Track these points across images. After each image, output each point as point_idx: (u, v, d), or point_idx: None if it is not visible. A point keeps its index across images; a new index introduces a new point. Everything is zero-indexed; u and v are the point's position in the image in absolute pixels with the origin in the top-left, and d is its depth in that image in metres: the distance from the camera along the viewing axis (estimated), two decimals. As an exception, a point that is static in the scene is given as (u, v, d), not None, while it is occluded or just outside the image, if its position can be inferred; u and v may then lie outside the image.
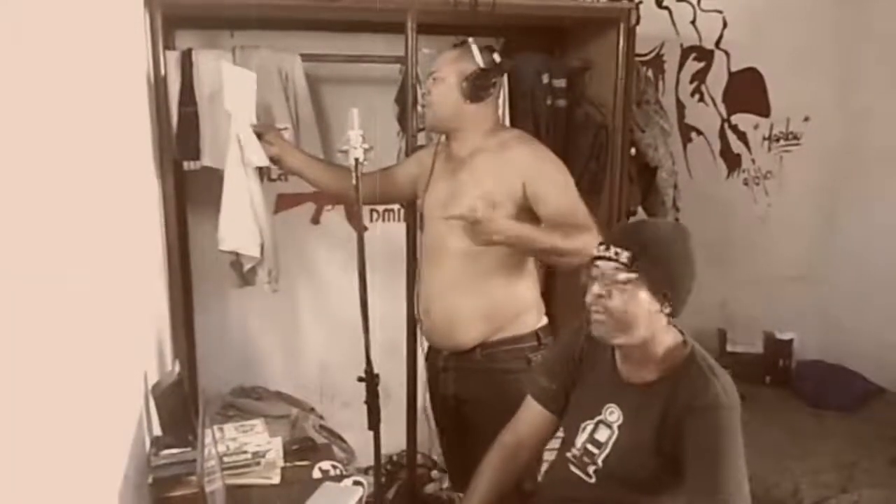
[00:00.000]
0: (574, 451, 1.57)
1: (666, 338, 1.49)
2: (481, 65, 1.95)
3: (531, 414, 1.67)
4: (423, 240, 2.14)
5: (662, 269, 1.43)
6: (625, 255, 1.42)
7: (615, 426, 1.52)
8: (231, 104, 2.09)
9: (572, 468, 1.56)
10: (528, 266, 2.06)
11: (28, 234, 0.88)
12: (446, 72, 1.99)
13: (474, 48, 1.96)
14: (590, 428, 1.55)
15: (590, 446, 1.54)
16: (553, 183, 1.95)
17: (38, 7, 0.99)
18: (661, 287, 1.43)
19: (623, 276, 1.42)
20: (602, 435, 1.53)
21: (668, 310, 1.45)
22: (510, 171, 1.94)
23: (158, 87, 2.15)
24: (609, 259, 1.44)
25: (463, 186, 1.99)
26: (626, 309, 1.43)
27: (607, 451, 1.52)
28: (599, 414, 1.55)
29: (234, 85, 2.10)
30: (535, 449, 1.69)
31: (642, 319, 1.44)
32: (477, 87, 1.96)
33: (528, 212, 1.96)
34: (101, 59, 1.45)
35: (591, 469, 1.53)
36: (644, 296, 1.42)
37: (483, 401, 2.00)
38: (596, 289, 1.46)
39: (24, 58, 0.90)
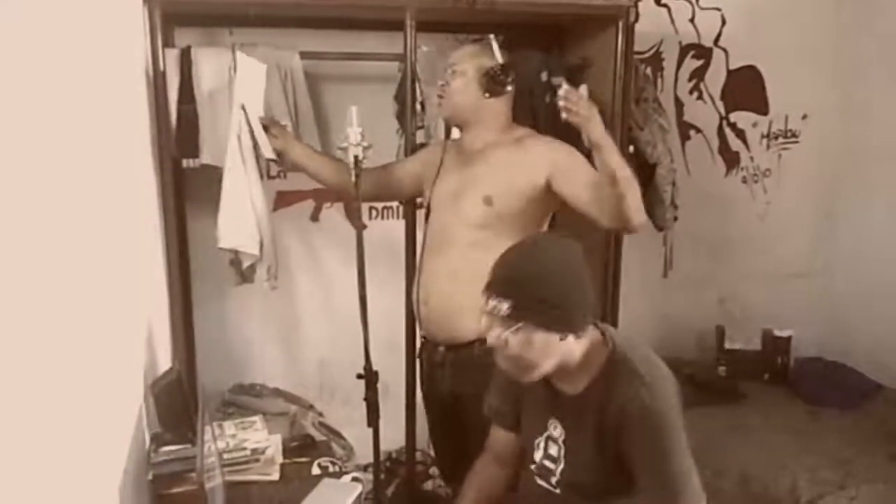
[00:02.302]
0: (535, 465, 1.58)
1: (580, 346, 1.44)
2: (500, 60, 1.99)
3: (497, 435, 1.69)
4: (427, 230, 2.15)
5: (549, 307, 1.37)
6: (505, 307, 1.37)
7: (560, 441, 1.52)
8: (242, 94, 2.10)
9: (538, 480, 1.57)
10: None
11: (27, 233, 0.88)
12: (466, 65, 2.03)
13: (494, 45, 2.00)
14: (542, 444, 1.56)
15: (546, 462, 1.55)
16: (582, 166, 1.96)
17: (38, 4, 0.99)
18: (553, 320, 1.38)
19: (511, 326, 1.38)
20: (553, 450, 1.53)
21: (570, 334, 1.41)
22: (532, 165, 1.97)
23: (158, 84, 2.15)
24: (492, 311, 1.40)
25: (477, 178, 2.02)
26: (524, 354, 1.40)
27: (562, 464, 1.52)
28: (546, 430, 1.54)
29: (246, 75, 2.11)
30: (511, 463, 1.68)
31: (545, 355, 1.41)
32: (496, 82, 2.00)
33: (540, 204, 1.99)
34: (101, 57, 1.45)
35: (553, 480, 1.54)
36: (538, 336, 1.38)
37: (480, 396, 2.01)
38: (491, 339, 1.42)
39: (23, 56, 0.90)
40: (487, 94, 2.01)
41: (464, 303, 2.01)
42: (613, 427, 1.40)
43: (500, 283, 1.42)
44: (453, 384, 2.10)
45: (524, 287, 1.39)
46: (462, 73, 2.03)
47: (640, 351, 1.47)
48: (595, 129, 1.75)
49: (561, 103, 1.73)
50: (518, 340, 1.39)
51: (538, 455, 1.56)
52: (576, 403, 1.48)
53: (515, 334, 1.39)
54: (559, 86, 2.26)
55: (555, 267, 1.41)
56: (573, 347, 1.44)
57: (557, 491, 1.53)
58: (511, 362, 1.44)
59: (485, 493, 1.66)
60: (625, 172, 1.78)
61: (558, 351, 1.42)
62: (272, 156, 2.16)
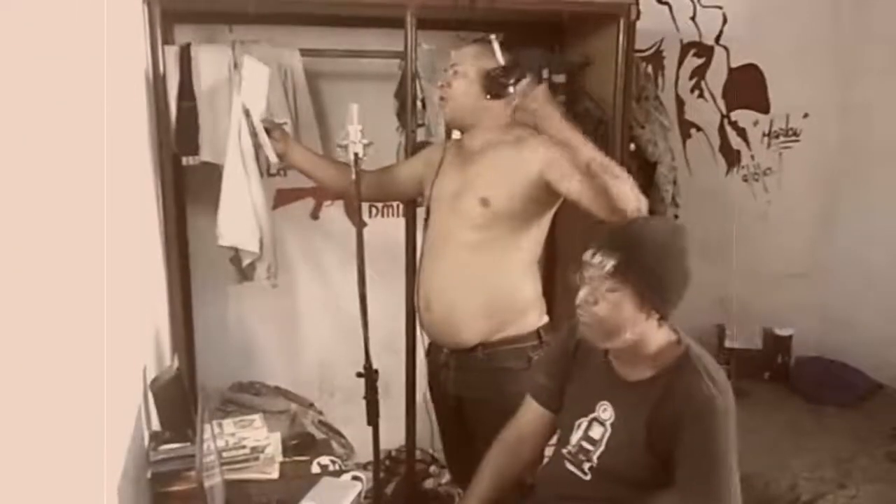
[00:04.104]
0: (570, 447, 1.56)
1: (657, 337, 1.47)
2: (502, 62, 1.95)
3: (531, 412, 1.67)
4: (427, 233, 2.13)
5: (650, 278, 1.39)
6: (610, 264, 1.38)
7: (608, 424, 1.51)
8: (247, 98, 2.10)
9: (568, 465, 1.56)
10: (532, 264, 2.06)
11: (27, 231, 0.88)
12: (467, 67, 2.00)
13: (496, 45, 1.96)
14: (584, 425, 1.55)
15: (585, 444, 1.54)
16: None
17: (37, 1, 0.99)
18: (648, 295, 1.40)
19: (608, 284, 1.39)
20: (596, 432, 1.52)
21: (656, 315, 1.43)
22: (526, 162, 1.94)
23: (157, 82, 2.15)
24: (594, 266, 1.41)
25: (475, 179, 1.99)
26: (611, 317, 1.41)
27: (602, 448, 1.51)
28: (593, 411, 1.54)
29: (251, 78, 2.11)
30: (536, 446, 1.68)
31: (628, 326, 1.42)
32: (498, 84, 1.96)
33: (536, 203, 1.96)
34: (100, 54, 1.45)
35: (586, 466, 1.53)
36: (630, 304, 1.39)
37: (484, 399, 2.00)
38: (583, 293, 1.43)
39: (21, 52, 0.90)
40: (489, 96, 1.97)
41: (465, 309, 2.01)
42: (670, 421, 1.40)
43: (613, 240, 1.43)
44: (457, 386, 2.09)
45: (635, 250, 1.40)
46: (463, 74, 2.00)
47: (709, 357, 1.50)
48: (555, 127, 1.77)
49: (515, 101, 1.76)
50: (609, 301, 1.40)
51: (575, 436, 1.55)
52: (635, 389, 1.48)
53: (609, 294, 1.39)
54: (561, 84, 2.24)
55: (667, 244, 1.43)
56: (652, 332, 1.45)
57: (587, 477, 1.52)
58: (594, 322, 1.44)
59: (500, 478, 1.64)
60: (598, 162, 1.78)
61: (641, 327, 1.43)
62: (276, 159, 2.16)
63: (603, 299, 1.41)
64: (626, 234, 1.45)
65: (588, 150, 1.79)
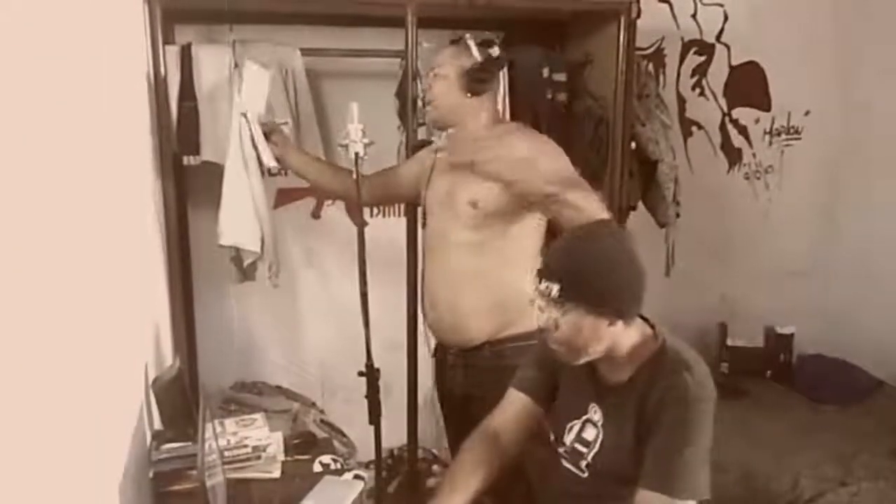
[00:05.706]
0: (565, 448, 1.57)
1: (629, 337, 1.46)
2: (479, 59, 1.98)
3: (510, 401, 1.66)
4: (425, 234, 2.14)
5: (599, 292, 1.39)
6: (555, 290, 1.39)
7: (599, 425, 1.52)
8: (247, 102, 2.09)
9: (565, 464, 1.57)
10: (535, 258, 2.06)
11: (29, 230, 0.88)
12: (446, 68, 2.01)
13: (471, 43, 1.99)
14: (577, 428, 1.55)
15: (578, 445, 1.54)
16: (551, 162, 1.96)
17: (38, 1, 0.99)
18: (602, 306, 1.40)
19: (561, 308, 1.40)
20: (589, 434, 1.53)
21: (619, 320, 1.42)
22: (510, 160, 1.95)
23: (158, 82, 2.15)
24: (542, 294, 1.42)
25: (463, 180, 1.99)
26: (573, 337, 1.42)
27: (595, 449, 1.52)
28: (586, 413, 1.54)
29: (251, 82, 2.10)
30: (515, 436, 1.64)
31: (594, 339, 1.42)
32: (476, 81, 1.99)
33: (525, 201, 1.96)
34: (101, 54, 1.45)
35: (582, 464, 1.54)
36: (588, 320, 1.40)
37: (493, 398, 1.99)
38: (542, 321, 1.44)
39: (23, 52, 0.90)
40: (469, 94, 2.00)
41: (468, 307, 2.01)
42: (653, 413, 1.40)
43: (551, 266, 1.44)
44: (466, 386, 2.10)
45: (575, 270, 1.40)
46: (444, 76, 2.02)
47: (689, 349, 1.49)
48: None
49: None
50: (568, 323, 1.41)
51: (569, 438, 1.56)
52: (619, 391, 1.48)
53: (565, 317, 1.40)
54: (561, 82, 2.23)
55: (606, 253, 1.42)
56: (622, 335, 1.45)
57: (585, 475, 1.53)
58: (560, 345, 1.46)
59: (474, 470, 1.57)
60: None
61: (607, 336, 1.43)
62: (273, 163, 2.16)
63: (561, 322, 1.42)
64: (565, 256, 1.45)
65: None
